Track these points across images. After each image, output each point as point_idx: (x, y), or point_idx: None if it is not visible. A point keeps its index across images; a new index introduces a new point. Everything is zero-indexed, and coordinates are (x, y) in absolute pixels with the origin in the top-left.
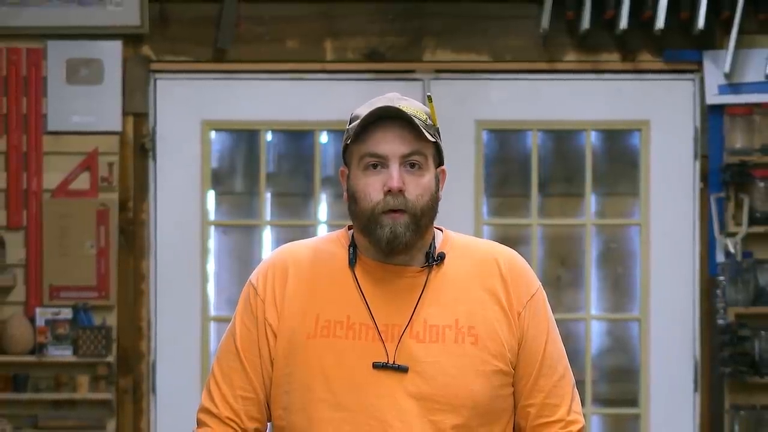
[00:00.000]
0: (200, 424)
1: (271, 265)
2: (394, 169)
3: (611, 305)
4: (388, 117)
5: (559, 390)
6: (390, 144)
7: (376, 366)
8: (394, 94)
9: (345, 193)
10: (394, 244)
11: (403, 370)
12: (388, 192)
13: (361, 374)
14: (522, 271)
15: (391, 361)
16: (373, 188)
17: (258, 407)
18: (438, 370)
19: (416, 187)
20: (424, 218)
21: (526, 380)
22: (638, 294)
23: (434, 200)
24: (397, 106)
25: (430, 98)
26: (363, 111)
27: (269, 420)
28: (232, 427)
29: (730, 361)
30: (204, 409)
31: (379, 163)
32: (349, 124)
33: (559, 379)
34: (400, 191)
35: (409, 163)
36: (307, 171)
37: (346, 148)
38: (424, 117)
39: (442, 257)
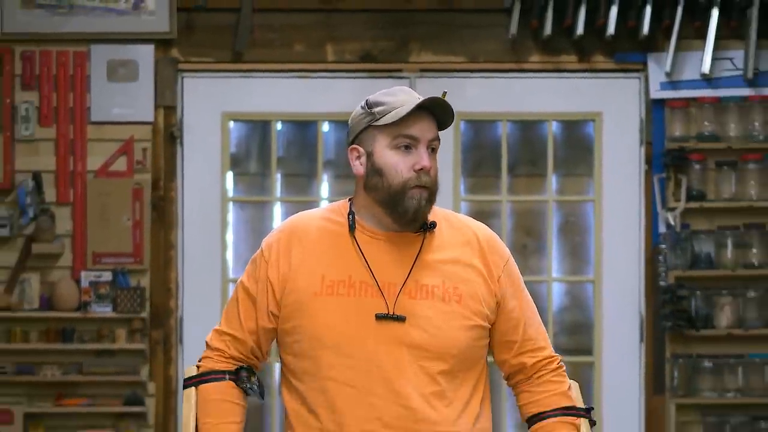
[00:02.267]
0: (204, 353)
1: (279, 232)
2: (424, 151)
3: (569, 269)
4: (423, 106)
5: (542, 335)
6: (422, 129)
7: (379, 316)
8: (407, 88)
9: (361, 168)
10: (418, 214)
11: (401, 319)
12: (420, 170)
13: (363, 326)
14: (496, 242)
15: (390, 312)
16: (404, 165)
17: (243, 348)
18: (428, 323)
19: (434, 168)
20: (435, 194)
21: (506, 321)
22: (592, 260)
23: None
24: (438, 97)
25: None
26: (388, 99)
27: (262, 359)
28: (220, 354)
29: (671, 316)
30: (207, 341)
31: (411, 144)
32: (370, 107)
33: (539, 325)
34: (429, 170)
35: (431, 148)
36: (312, 155)
37: (365, 128)
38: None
39: (434, 225)
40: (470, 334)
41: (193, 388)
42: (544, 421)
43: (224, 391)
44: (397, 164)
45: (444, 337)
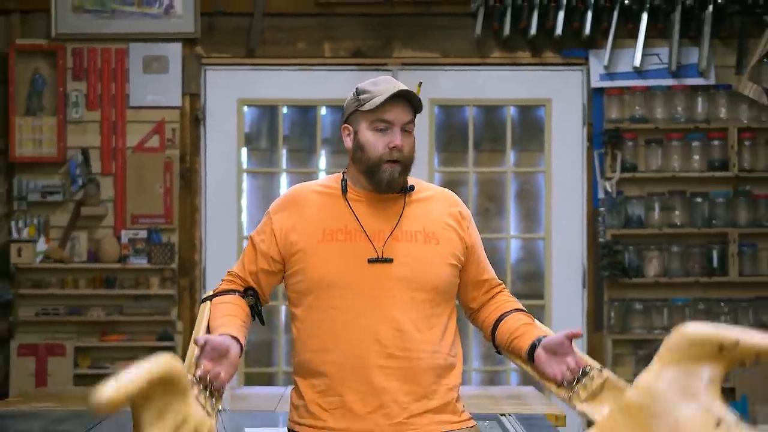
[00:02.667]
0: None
1: (284, 197)
2: (398, 132)
3: (524, 228)
4: (399, 95)
5: (493, 279)
6: (397, 114)
7: (371, 260)
8: (391, 77)
9: (350, 143)
10: (392, 185)
11: (389, 261)
12: (393, 148)
13: (358, 266)
14: (461, 204)
15: (380, 255)
16: (380, 143)
17: (243, 283)
18: (415, 260)
19: (408, 145)
20: (410, 166)
21: (476, 265)
22: (543, 220)
23: (414, 154)
24: (407, 89)
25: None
26: (372, 88)
27: (262, 299)
28: (229, 281)
29: (608, 267)
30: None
31: (387, 126)
32: (358, 95)
33: (494, 275)
34: (401, 149)
35: (405, 129)
36: (312, 134)
37: (353, 112)
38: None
39: (413, 188)
40: (449, 270)
41: (208, 302)
42: (507, 317)
43: (230, 298)
44: (375, 142)
45: (428, 271)
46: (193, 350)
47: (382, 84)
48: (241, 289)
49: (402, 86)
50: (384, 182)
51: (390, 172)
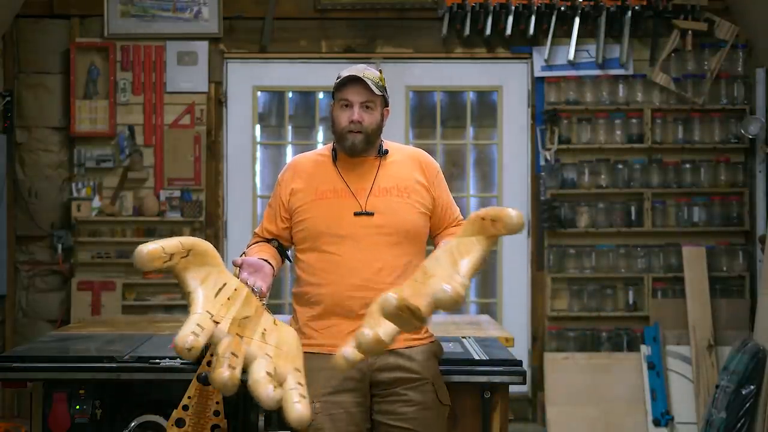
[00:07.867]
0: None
1: (287, 167)
2: (357, 108)
3: (481, 188)
4: (355, 79)
5: (457, 210)
6: (353, 94)
7: (356, 213)
8: (364, 65)
9: (331, 119)
10: (354, 150)
11: (370, 214)
12: (351, 122)
13: (346, 218)
14: (430, 161)
15: (363, 209)
16: (343, 118)
17: (265, 236)
18: (390, 211)
19: (368, 119)
20: (373, 135)
21: (442, 213)
22: (496, 182)
23: (379, 126)
24: (361, 75)
25: (380, 71)
26: (342, 73)
27: (283, 243)
28: (254, 238)
29: (548, 220)
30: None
31: (347, 104)
32: (336, 79)
33: (458, 215)
34: (359, 122)
35: (365, 105)
36: (311, 113)
37: (333, 93)
38: (377, 80)
39: (387, 152)
40: (418, 217)
41: (244, 254)
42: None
43: (258, 245)
44: (339, 117)
45: (401, 219)
46: (236, 272)
47: (347, 71)
48: (265, 239)
49: (357, 73)
50: (347, 147)
51: (351, 140)
